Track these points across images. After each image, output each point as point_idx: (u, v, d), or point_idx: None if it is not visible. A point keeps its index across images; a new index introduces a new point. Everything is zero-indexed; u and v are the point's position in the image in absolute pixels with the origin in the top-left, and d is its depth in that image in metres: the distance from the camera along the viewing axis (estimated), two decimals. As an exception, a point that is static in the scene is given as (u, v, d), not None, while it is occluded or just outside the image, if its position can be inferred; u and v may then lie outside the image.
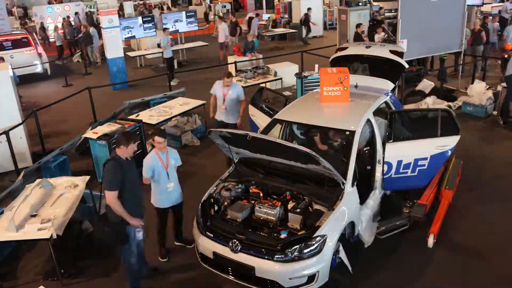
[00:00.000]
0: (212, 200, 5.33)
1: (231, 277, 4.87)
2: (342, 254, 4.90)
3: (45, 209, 5.61)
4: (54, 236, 5.09)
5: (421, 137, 5.96)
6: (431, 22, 10.07)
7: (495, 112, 9.63)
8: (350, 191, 5.15)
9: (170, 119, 8.92)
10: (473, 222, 6.04)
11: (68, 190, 6.02)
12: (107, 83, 13.30)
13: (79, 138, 7.95)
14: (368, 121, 5.80)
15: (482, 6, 19.75)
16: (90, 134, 7.34)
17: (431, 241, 5.54)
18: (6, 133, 7.75)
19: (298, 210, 4.93)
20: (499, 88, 9.72)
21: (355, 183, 5.28)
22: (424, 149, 5.92)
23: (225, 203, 5.36)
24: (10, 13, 25.70)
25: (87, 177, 6.35)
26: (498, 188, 6.83)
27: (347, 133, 5.64)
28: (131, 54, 16.29)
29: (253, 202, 5.22)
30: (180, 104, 9.40)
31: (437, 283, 5.03)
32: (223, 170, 6.09)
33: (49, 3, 27.02)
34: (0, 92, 8.13)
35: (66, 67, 15.42)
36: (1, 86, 8.15)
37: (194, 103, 9.50)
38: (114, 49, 13.57)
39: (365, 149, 6.01)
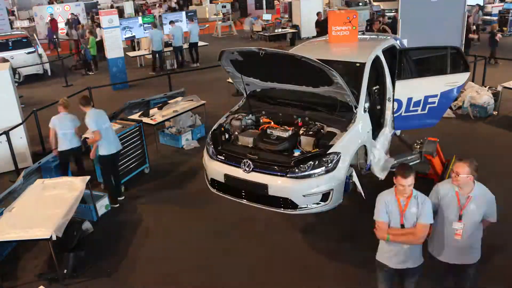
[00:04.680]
0: (222, 128, 5.20)
1: (244, 201, 4.73)
2: (355, 179, 4.78)
3: (45, 210, 5.60)
4: (54, 238, 5.08)
5: (431, 74, 5.89)
6: (431, 22, 10.07)
7: (495, 112, 9.63)
8: (363, 115, 5.03)
9: (169, 119, 8.92)
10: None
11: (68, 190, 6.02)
12: (107, 83, 13.31)
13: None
14: (378, 57, 5.68)
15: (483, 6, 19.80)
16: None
17: (431, 240, 5.54)
18: (6, 133, 7.75)
19: (311, 133, 4.81)
20: (499, 88, 9.72)
21: (367, 111, 5.17)
22: (434, 86, 5.84)
23: (236, 133, 5.21)
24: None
25: (87, 177, 6.34)
26: (498, 188, 6.81)
27: (358, 65, 5.49)
28: (130, 54, 16.30)
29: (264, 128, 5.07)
30: (181, 104, 9.38)
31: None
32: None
33: (49, 3, 26.99)
34: (0, 92, 8.12)
35: (66, 67, 15.42)
36: (1, 86, 8.15)
37: (194, 103, 9.49)
38: (114, 49, 13.57)
39: (374, 88, 5.84)
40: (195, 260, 5.27)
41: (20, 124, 8.25)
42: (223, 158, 4.77)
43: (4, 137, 7.78)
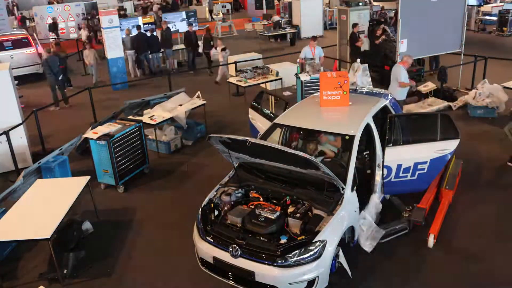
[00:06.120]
0: (212, 205, 5.34)
1: (231, 282, 4.87)
2: (342, 259, 4.91)
3: (45, 210, 5.60)
4: (54, 238, 5.08)
5: (420, 141, 5.95)
6: (431, 22, 10.09)
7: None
8: (350, 196, 5.16)
9: (169, 119, 8.92)
10: (473, 222, 6.04)
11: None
12: (107, 83, 13.31)
13: (79, 138, 7.94)
14: (368, 125, 5.80)
15: (482, 6, 19.80)
16: (90, 134, 7.34)
17: (431, 241, 5.55)
18: (6, 133, 7.76)
19: (298, 215, 4.94)
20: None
21: (355, 188, 5.29)
22: (424, 153, 5.91)
23: (225, 208, 5.37)
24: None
25: (87, 177, 6.35)
26: (498, 188, 6.83)
27: (347, 137, 5.65)
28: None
29: (252, 207, 5.22)
30: (180, 104, 9.38)
31: (437, 283, 5.04)
32: (223, 170, 6.10)
33: (49, 3, 27.00)
34: (0, 92, 8.12)
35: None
36: (1, 86, 8.15)
37: (196, 101, 9.51)
38: (114, 49, 13.58)
39: (364, 153, 6.01)
40: (195, 260, 5.27)
41: (20, 124, 8.25)
42: (212, 240, 4.94)
43: (4, 137, 7.79)
